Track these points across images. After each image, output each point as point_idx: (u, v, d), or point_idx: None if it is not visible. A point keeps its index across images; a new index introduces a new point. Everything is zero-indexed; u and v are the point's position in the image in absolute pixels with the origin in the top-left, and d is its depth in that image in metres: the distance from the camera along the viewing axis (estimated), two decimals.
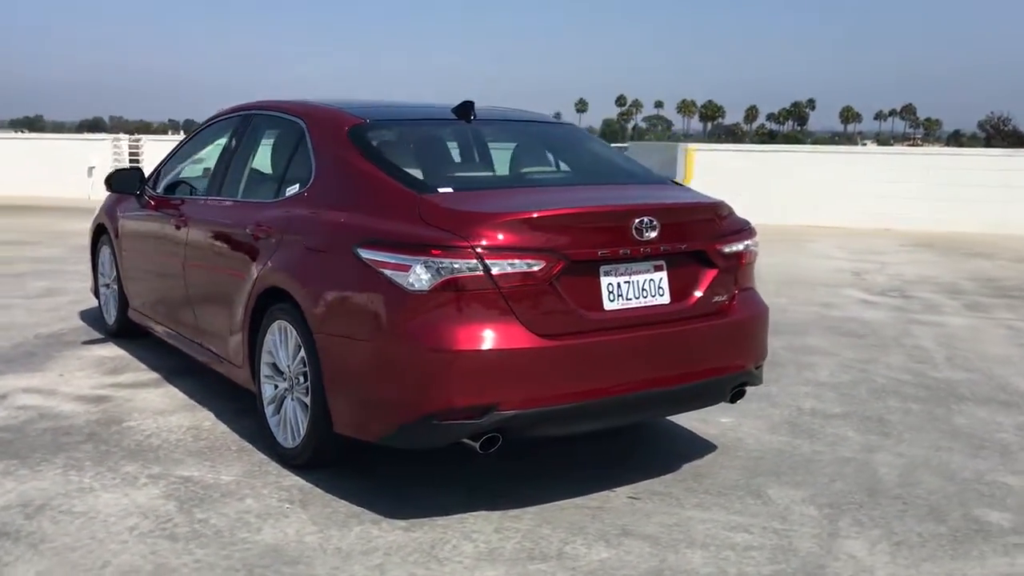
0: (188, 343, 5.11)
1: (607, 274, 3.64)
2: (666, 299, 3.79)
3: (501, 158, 4.63)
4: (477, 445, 3.41)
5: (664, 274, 3.79)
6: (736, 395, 4.13)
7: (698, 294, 3.87)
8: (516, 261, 3.41)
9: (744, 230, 4.10)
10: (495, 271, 3.38)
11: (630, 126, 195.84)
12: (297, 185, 4.17)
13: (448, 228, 3.44)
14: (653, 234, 3.67)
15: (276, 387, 4.11)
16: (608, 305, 3.63)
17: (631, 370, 3.67)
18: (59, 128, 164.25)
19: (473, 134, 4.71)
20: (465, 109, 4.42)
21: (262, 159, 4.79)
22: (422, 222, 3.51)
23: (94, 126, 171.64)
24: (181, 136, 20.23)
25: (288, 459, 4.03)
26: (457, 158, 4.57)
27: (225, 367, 4.64)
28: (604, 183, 4.39)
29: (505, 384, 3.40)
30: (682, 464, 4.25)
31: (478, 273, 3.36)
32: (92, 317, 7.00)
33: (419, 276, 3.36)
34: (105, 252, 6.45)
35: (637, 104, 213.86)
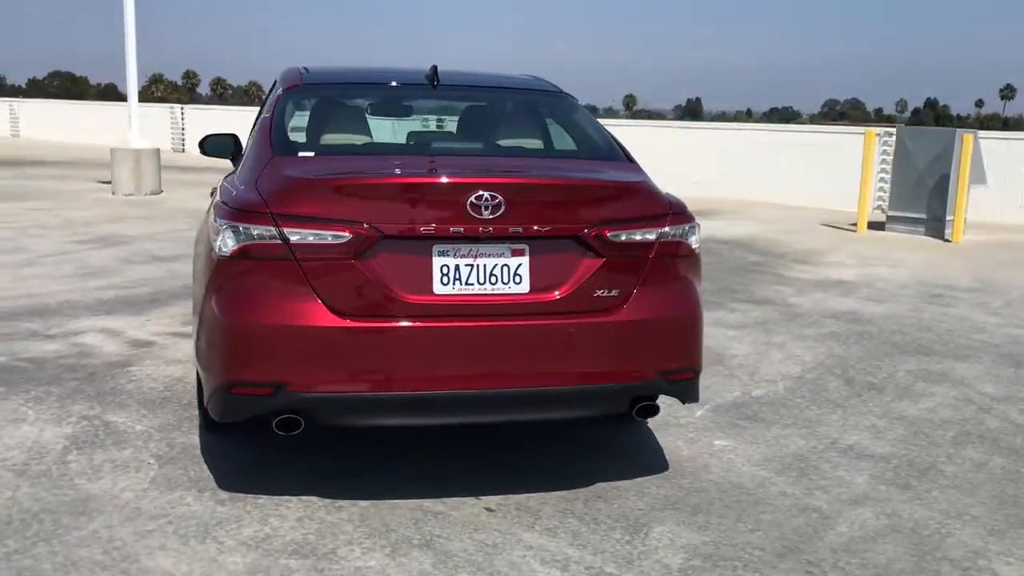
0: None
1: (443, 254, 3.21)
2: (524, 288, 3.27)
3: (438, 124, 4.28)
4: (274, 424, 3.20)
5: (525, 260, 3.27)
6: (644, 410, 3.48)
7: (571, 286, 3.30)
8: (318, 232, 3.13)
9: (660, 216, 3.41)
10: (294, 240, 3.13)
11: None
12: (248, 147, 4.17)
13: (263, 193, 3.26)
14: (496, 213, 3.18)
15: None
16: (440, 289, 3.21)
17: (467, 364, 3.22)
18: None
19: (419, 101, 4.41)
20: (429, 75, 4.15)
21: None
22: (254, 186, 3.35)
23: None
24: None
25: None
26: (374, 124, 4.28)
27: None
28: (509, 155, 3.92)
29: (296, 363, 3.14)
30: (598, 481, 3.67)
31: (276, 242, 3.13)
32: None
33: (225, 241, 3.21)
34: None
35: None
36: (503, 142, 4.07)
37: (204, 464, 3.71)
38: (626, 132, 18.03)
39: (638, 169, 3.74)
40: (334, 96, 4.23)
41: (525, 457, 3.94)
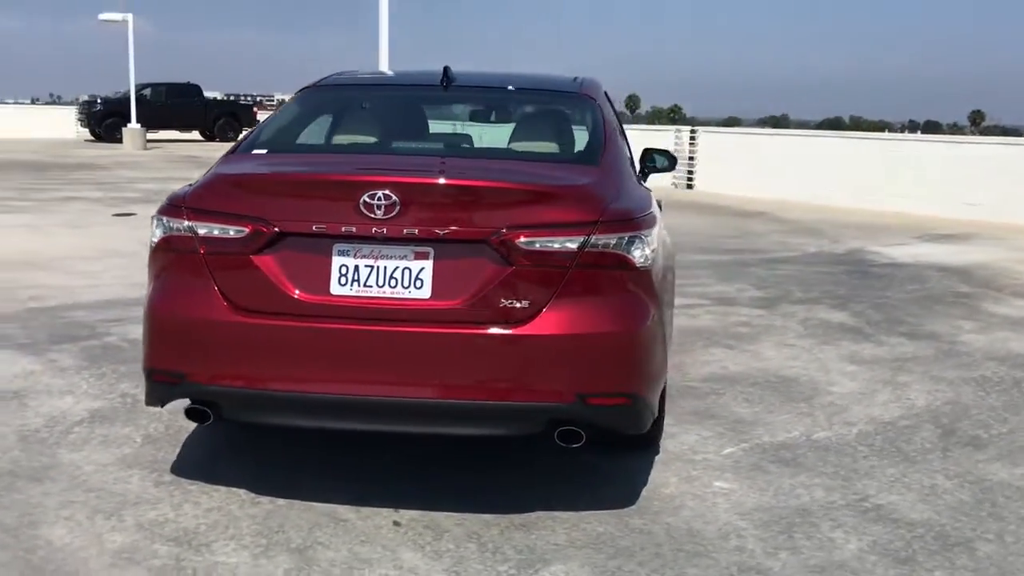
0: None
1: (343, 254, 3.10)
2: (425, 294, 3.07)
3: (438, 126, 4.12)
4: (183, 413, 3.26)
5: (428, 264, 3.07)
6: (565, 436, 3.13)
7: (475, 294, 3.05)
8: (221, 226, 3.15)
9: (586, 224, 3.05)
10: (201, 234, 3.17)
11: None
12: None
13: (191, 187, 3.34)
14: (391, 213, 3.01)
15: None
16: (337, 289, 3.10)
17: (362, 369, 3.09)
18: (802, 125, 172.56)
19: (422, 101, 4.28)
20: (443, 76, 4.07)
21: None
22: (200, 180, 3.44)
23: (834, 124, 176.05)
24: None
25: None
26: (359, 124, 4.15)
27: None
28: (462, 156, 3.79)
29: (194, 354, 3.17)
30: (540, 510, 3.37)
31: (187, 235, 3.19)
32: None
33: (154, 232, 3.33)
34: None
35: None
36: (482, 144, 3.89)
37: (179, 448, 3.86)
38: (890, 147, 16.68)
39: (596, 174, 3.39)
40: (339, 97, 4.26)
41: (484, 477, 3.71)
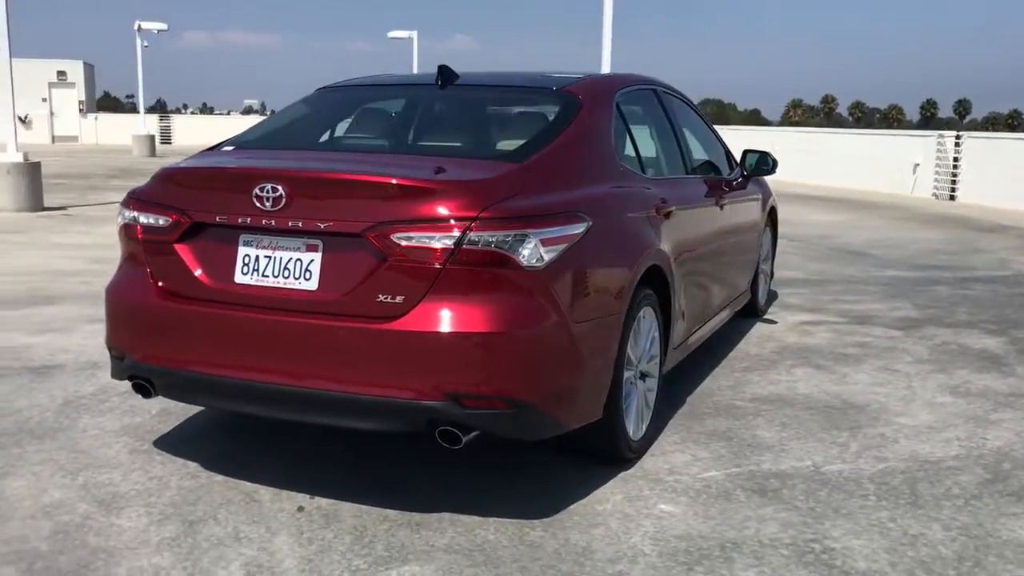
0: None
1: (247, 244, 3.22)
2: (312, 285, 3.11)
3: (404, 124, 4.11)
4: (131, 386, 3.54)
5: (317, 256, 3.11)
6: (445, 435, 3.05)
7: (354, 288, 3.04)
8: (154, 215, 3.38)
9: (463, 220, 2.94)
10: (141, 222, 3.43)
11: None
12: None
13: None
14: (278, 206, 3.10)
15: None
16: (240, 278, 3.22)
17: (258, 356, 3.18)
18: None
19: (408, 102, 4.29)
20: (439, 75, 4.11)
21: None
22: None
23: None
24: None
25: None
26: (318, 123, 4.18)
27: None
28: (397, 152, 3.85)
29: (131, 333, 3.43)
30: (448, 511, 3.30)
31: (132, 223, 3.46)
32: None
33: (117, 220, 3.63)
34: None
35: None
36: (433, 141, 3.89)
37: (181, 422, 4.18)
38: None
39: (506, 171, 3.25)
40: (338, 98, 4.40)
41: (427, 473, 3.66)
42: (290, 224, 3.11)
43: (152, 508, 3.29)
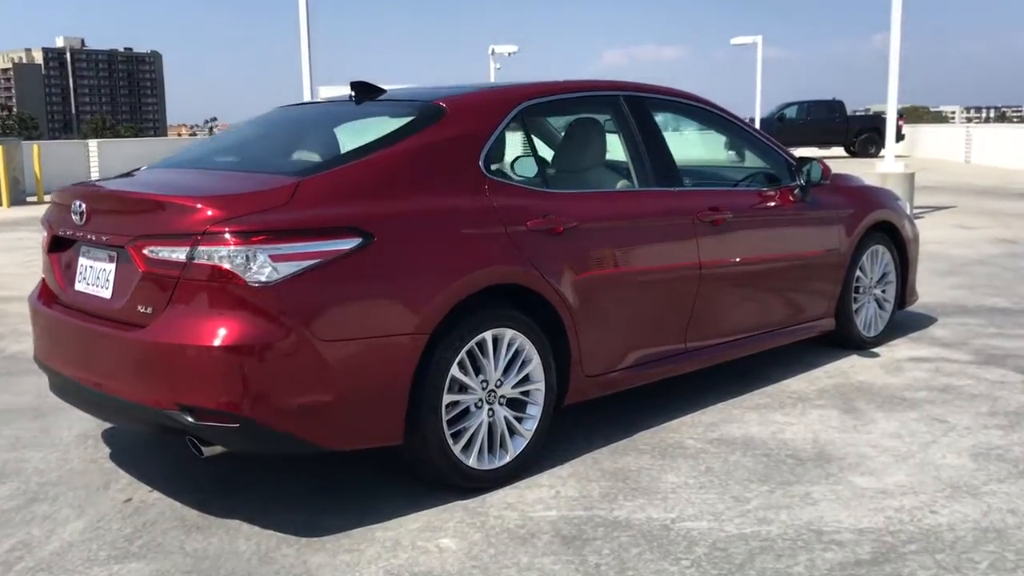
0: None
1: (83, 255, 3.59)
2: (108, 294, 3.41)
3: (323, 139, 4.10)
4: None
5: (113, 267, 3.40)
6: (193, 444, 3.17)
7: (128, 297, 3.27)
8: (45, 228, 3.85)
9: (192, 235, 3.03)
10: (44, 233, 3.90)
11: None
12: None
13: None
14: (83, 220, 3.47)
15: None
16: (77, 286, 3.59)
17: (79, 358, 3.52)
18: None
19: (289, 117, 4.45)
20: (351, 93, 4.19)
21: None
22: None
23: None
24: None
25: None
26: (263, 139, 4.27)
27: None
28: (217, 169, 3.89)
29: (35, 335, 3.91)
30: (234, 520, 3.38)
31: (45, 234, 3.93)
32: None
33: None
34: None
35: None
36: (264, 157, 4.06)
37: None
38: None
39: (266, 184, 3.29)
40: (269, 116, 4.58)
41: (369, 492, 3.75)
42: (91, 237, 3.44)
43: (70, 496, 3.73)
